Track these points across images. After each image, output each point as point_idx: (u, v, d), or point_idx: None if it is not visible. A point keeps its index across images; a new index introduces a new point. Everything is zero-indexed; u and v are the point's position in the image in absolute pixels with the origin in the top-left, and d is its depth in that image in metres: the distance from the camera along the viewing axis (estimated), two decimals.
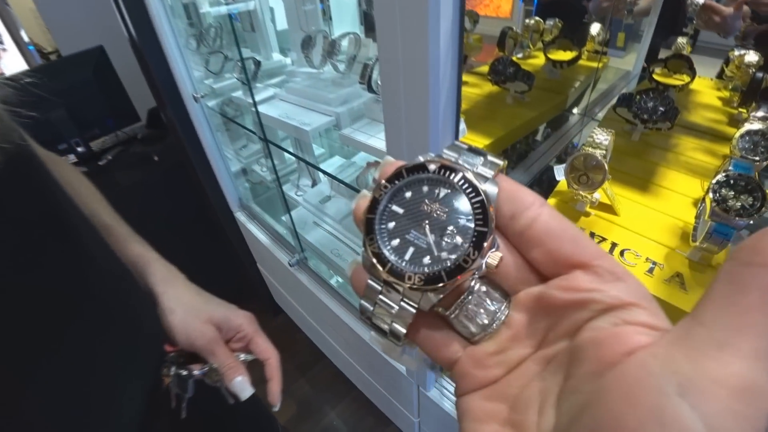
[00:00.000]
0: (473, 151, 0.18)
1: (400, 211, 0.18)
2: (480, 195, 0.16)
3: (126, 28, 1.08)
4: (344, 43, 0.88)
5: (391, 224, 0.18)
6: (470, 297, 0.17)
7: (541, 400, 0.15)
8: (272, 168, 1.13)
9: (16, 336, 0.29)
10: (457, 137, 0.45)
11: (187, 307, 0.45)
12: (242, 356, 0.48)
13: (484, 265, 0.16)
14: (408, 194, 0.18)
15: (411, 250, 0.17)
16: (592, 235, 0.55)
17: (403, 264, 0.17)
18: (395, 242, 0.17)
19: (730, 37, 0.91)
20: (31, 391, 0.30)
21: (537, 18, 1.15)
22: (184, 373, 0.45)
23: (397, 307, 0.17)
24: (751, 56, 0.89)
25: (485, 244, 0.16)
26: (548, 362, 0.15)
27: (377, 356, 1.07)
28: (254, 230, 1.37)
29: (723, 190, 0.44)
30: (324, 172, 1.03)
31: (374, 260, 0.17)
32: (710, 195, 0.44)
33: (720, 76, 1.02)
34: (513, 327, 0.16)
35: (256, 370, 0.49)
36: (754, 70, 0.85)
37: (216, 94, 1.20)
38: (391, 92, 0.42)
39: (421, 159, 0.18)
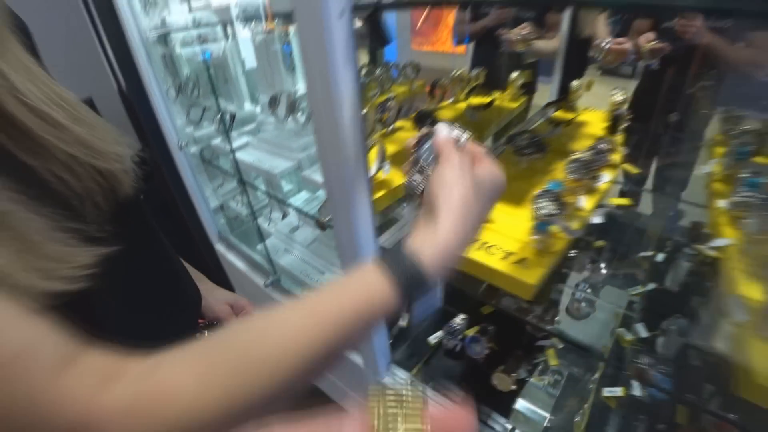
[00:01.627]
0: (449, 125, 0.46)
1: (420, 150, 0.47)
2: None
3: (115, 78, 1.22)
4: (304, 103, 1.11)
5: (416, 156, 0.47)
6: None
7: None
8: (248, 204, 1.32)
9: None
10: (366, 174, 0.69)
11: (212, 295, 0.69)
12: None
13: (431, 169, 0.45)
14: (425, 145, 0.47)
15: (419, 164, 0.47)
16: None
17: (418, 167, 0.46)
18: (416, 163, 0.47)
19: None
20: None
21: (463, 69, 1.41)
22: None
23: (420, 177, 0.46)
24: (618, 96, 1.15)
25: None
26: None
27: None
28: (232, 259, 1.54)
29: (540, 201, 0.68)
30: (293, 207, 1.23)
31: (413, 164, 0.47)
32: (533, 204, 0.68)
33: None
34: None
35: None
36: (617, 108, 1.12)
37: (196, 141, 1.40)
38: (323, 149, 0.64)
39: (424, 131, 0.48)
